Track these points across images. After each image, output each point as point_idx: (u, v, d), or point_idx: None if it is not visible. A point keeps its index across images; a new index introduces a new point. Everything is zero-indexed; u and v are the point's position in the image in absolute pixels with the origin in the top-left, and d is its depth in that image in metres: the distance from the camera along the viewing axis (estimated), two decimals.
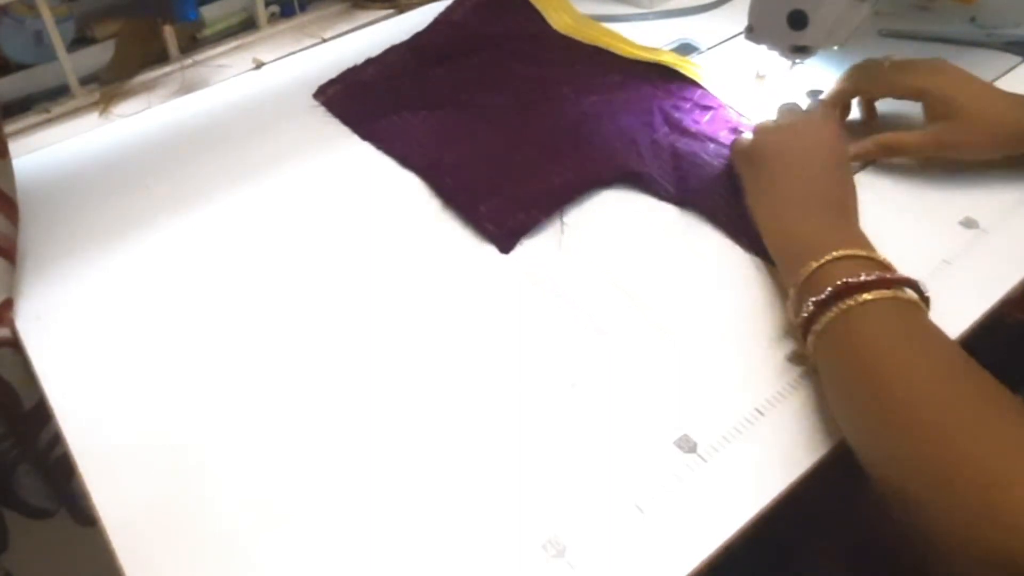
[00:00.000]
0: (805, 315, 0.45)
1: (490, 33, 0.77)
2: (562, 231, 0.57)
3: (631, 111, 0.66)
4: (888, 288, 0.44)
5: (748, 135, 0.59)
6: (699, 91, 0.68)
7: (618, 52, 0.73)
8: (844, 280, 0.44)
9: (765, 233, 0.52)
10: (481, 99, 0.69)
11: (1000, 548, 0.35)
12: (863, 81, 0.61)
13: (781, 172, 0.53)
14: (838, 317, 0.43)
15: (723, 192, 0.58)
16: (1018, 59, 0.71)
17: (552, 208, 0.58)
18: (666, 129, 0.64)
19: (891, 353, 0.42)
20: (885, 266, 0.46)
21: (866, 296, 0.43)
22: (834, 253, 0.46)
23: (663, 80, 0.69)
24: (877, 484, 0.41)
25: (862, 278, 0.44)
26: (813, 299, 0.45)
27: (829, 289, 0.44)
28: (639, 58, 0.72)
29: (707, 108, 0.66)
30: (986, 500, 0.35)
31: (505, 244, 0.56)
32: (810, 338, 0.45)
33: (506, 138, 0.64)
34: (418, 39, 0.78)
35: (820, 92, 0.67)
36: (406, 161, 0.63)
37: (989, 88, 0.58)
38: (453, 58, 0.74)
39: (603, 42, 0.75)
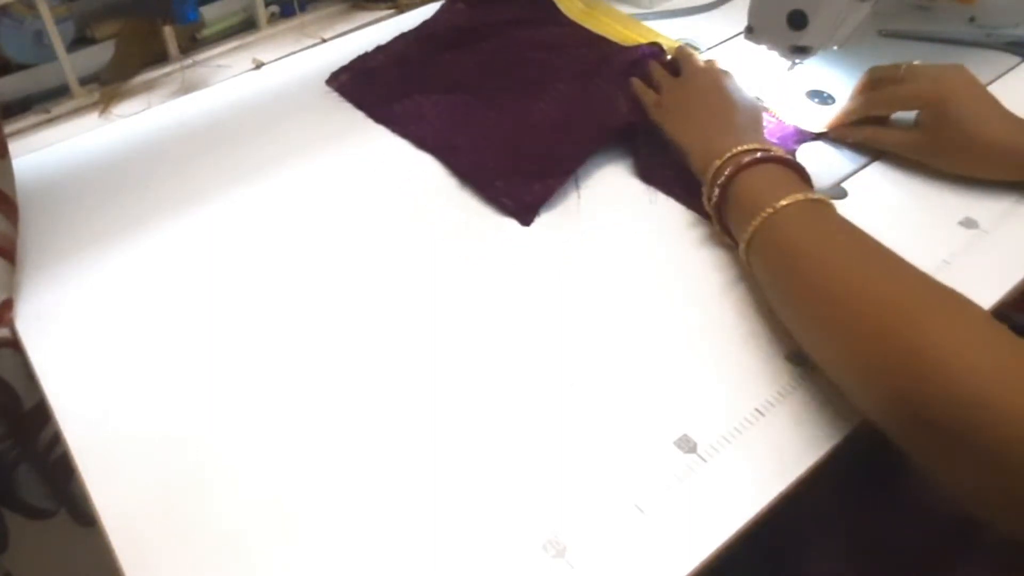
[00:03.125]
0: (713, 200, 0.53)
1: (499, 20, 0.78)
2: (579, 197, 0.59)
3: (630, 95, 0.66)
4: (774, 164, 0.51)
5: (652, 95, 0.64)
6: None
7: (625, 42, 0.74)
8: (738, 162, 0.51)
9: (694, 160, 0.57)
10: (491, 83, 0.70)
11: (923, 402, 0.38)
12: (873, 105, 0.61)
13: (697, 114, 0.60)
14: (761, 226, 0.48)
15: (691, 174, 0.59)
16: (1018, 59, 0.71)
17: (566, 174, 0.59)
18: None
19: (815, 253, 0.45)
20: (771, 150, 0.52)
21: (783, 202, 0.47)
22: (734, 149, 0.52)
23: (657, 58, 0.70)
24: (826, 372, 0.45)
25: (757, 156, 0.51)
26: (719, 182, 0.52)
27: (727, 171, 0.51)
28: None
29: None
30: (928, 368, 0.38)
31: (525, 217, 0.57)
32: (741, 250, 0.50)
33: (516, 119, 0.66)
34: (426, 27, 0.79)
35: (821, 92, 0.67)
36: (422, 142, 0.64)
37: (993, 105, 0.57)
38: (462, 44, 0.75)
39: (613, 30, 0.76)
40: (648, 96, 0.64)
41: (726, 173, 0.51)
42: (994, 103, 0.57)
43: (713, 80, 0.62)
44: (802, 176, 0.52)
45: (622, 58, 0.68)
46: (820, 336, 0.45)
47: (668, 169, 0.60)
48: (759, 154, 0.51)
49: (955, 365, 0.37)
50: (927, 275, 0.43)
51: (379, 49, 0.76)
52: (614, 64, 0.68)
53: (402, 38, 0.77)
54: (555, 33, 0.76)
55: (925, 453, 0.40)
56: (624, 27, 0.77)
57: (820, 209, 0.48)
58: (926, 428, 0.38)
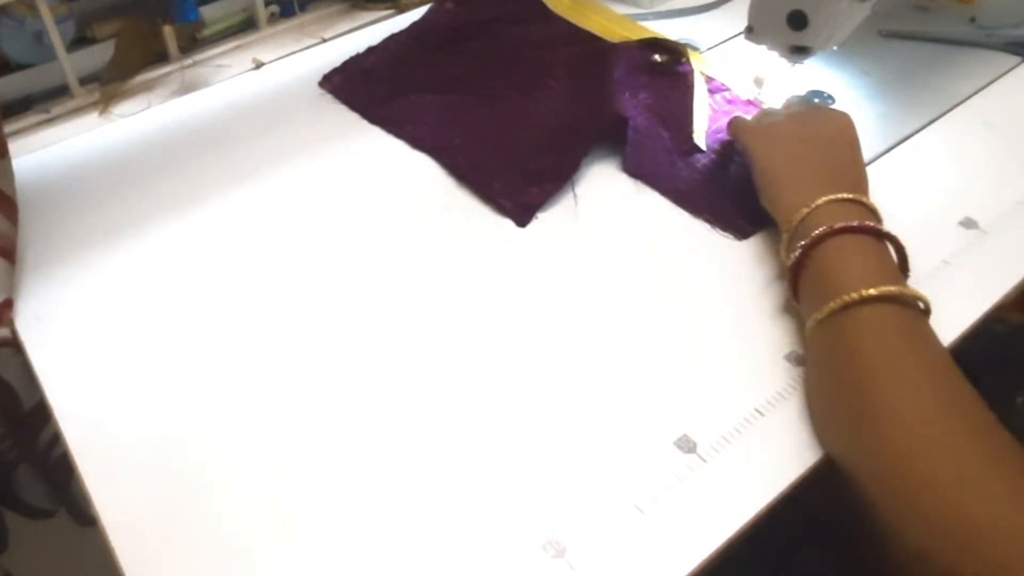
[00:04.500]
0: (794, 259, 0.47)
1: (487, 18, 0.78)
2: (576, 203, 0.58)
3: (619, 89, 0.67)
4: (872, 236, 0.46)
5: (749, 115, 0.60)
6: (684, 70, 0.69)
7: (612, 38, 0.74)
8: (831, 221, 0.45)
9: (778, 198, 0.51)
10: (484, 82, 0.70)
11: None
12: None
13: (801, 153, 0.53)
14: (838, 312, 0.43)
15: (675, 168, 0.61)
16: (1018, 59, 0.71)
17: (564, 179, 0.59)
18: (631, 104, 0.65)
19: (887, 366, 0.41)
20: (873, 212, 0.47)
21: (871, 291, 0.42)
22: (831, 196, 0.47)
23: (644, 56, 0.70)
24: (849, 481, 0.41)
25: (855, 224, 0.45)
26: (802, 243, 0.46)
27: (818, 232, 0.46)
28: (632, 40, 0.73)
29: (683, 88, 0.67)
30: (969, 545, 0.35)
31: (521, 218, 0.57)
32: (808, 327, 0.45)
33: (511, 119, 0.66)
34: (417, 27, 0.79)
35: (821, 92, 0.67)
36: (418, 142, 0.64)
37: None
38: (453, 44, 0.75)
39: (600, 25, 0.76)
40: (739, 118, 0.60)
41: (814, 234, 0.46)
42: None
43: (833, 121, 0.54)
44: (900, 256, 0.47)
45: (615, 58, 0.68)
46: (856, 453, 0.41)
47: (656, 164, 0.60)
48: (857, 222, 0.45)
49: (990, 532, 0.35)
50: (998, 430, 0.38)
51: (371, 50, 0.75)
52: (607, 65, 0.68)
53: (393, 39, 0.77)
54: (544, 30, 0.77)
55: None
56: (609, 22, 0.77)
57: (908, 322, 0.42)
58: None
